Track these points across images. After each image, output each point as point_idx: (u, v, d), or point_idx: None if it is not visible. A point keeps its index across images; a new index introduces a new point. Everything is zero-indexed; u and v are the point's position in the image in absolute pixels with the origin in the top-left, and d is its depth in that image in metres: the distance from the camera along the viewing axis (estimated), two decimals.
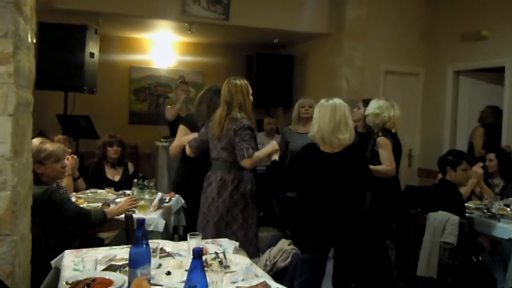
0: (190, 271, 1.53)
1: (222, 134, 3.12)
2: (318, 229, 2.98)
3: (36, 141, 2.88)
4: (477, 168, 3.87)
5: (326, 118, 2.97)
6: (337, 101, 3.05)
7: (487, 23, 5.38)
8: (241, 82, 3.18)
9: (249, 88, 3.23)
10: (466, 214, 3.51)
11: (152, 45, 7.53)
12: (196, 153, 3.41)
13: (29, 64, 2.22)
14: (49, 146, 2.94)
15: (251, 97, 3.24)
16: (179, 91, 5.90)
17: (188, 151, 3.44)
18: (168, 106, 5.86)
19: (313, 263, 2.88)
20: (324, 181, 2.96)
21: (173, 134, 5.66)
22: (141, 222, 1.85)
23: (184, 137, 3.70)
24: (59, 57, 5.01)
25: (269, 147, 3.12)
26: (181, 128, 3.81)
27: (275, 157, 3.08)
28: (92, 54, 5.24)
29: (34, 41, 2.32)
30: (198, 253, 1.53)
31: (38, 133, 3.51)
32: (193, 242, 2.23)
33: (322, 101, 3.09)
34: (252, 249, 3.08)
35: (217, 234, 3.02)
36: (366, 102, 4.09)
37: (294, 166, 3.20)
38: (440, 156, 3.70)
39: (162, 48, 7.55)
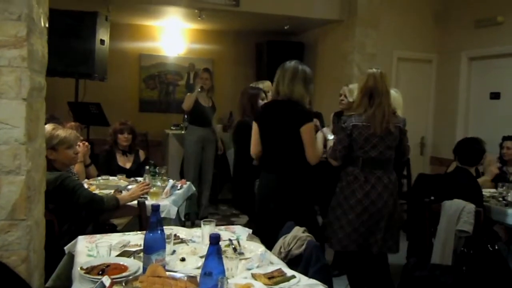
0: (206, 257, 1.51)
1: (387, 131, 2.99)
2: None
3: (48, 127, 2.88)
4: (494, 168, 3.89)
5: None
6: None
7: (502, 9, 5.28)
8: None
9: None
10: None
11: (161, 33, 7.49)
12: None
13: (42, 48, 2.20)
14: (62, 133, 2.94)
15: None
16: (198, 79, 5.80)
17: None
18: (188, 94, 5.71)
19: None
20: None
21: (191, 121, 5.64)
22: (156, 208, 1.84)
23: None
24: (70, 44, 4.98)
25: None
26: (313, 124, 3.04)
27: None
28: (102, 41, 5.21)
29: (47, 25, 2.30)
30: (215, 239, 1.51)
31: (49, 117, 3.49)
32: (207, 228, 2.22)
33: (395, 89, 3.42)
34: None
35: (385, 233, 3.05)
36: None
37: None
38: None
39: (172, 35, 7.50)
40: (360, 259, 3.18)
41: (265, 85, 4.40)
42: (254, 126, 3.16)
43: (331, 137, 3.25)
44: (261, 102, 3.84)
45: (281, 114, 2.99)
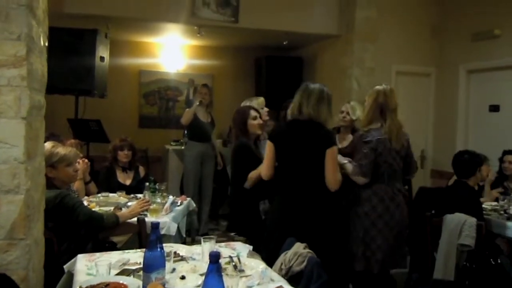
0: (206, 275, 1.50)
1: (401, 144, 3.12)
2: None
3: (48, 145, 2.87)
4: (495, 193, 4.01)
5: None
6: None
7: (499, 22, 5.32)
8: None
9: None
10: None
11: (161, 49, 7.53)
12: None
13: (42, 67, 2.21)
14: (61, 150, 2.93)
15: None
16: (197, 94, 5.83)
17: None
18: (187, 109, 5.68)
19: None
20: None
21: (191, 136, 5.64)
22: (156, 225, 1.83)
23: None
24: (70, 61, 5.01)
25: None
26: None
27: None
28: (102, 58, 5.24)
29: (46, 44, 2.31)
30: (214, 258, 1.50)
31: (48, 135, 3.49)
32: (207, 246, 2.21)
33: None
34: None
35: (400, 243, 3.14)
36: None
37: None
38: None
39: (171, 51, 7.54)
40: (383, 277, 3.16)
41: (259, 101, 4.34)
42: (270, 146, 2.98)
43: (344, 160, 3.14)
44: (252, 122, 3.57)
45: (305, 134, 2.87)
